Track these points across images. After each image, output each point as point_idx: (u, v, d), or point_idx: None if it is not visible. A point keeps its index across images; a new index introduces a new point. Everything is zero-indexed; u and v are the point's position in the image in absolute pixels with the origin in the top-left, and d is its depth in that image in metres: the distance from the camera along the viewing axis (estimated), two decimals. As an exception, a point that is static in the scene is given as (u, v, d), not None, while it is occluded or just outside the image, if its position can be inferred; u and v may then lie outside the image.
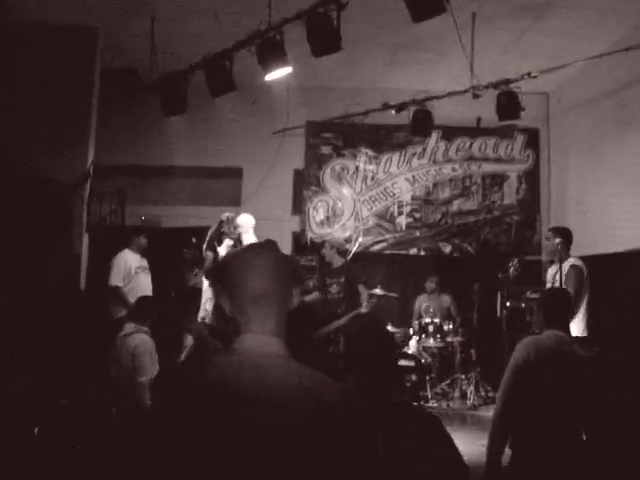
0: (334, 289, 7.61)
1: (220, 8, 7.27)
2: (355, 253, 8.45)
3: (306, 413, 1.47)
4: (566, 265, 6.38)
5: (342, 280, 7.62)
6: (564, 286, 6.17)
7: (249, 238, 6.99)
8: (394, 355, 2.77)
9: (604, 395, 3.64)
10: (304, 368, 1.60)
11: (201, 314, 7.21)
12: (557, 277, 6.35)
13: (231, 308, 1.72)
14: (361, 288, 7.64)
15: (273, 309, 1.69)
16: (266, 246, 1.81)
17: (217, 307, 7.21)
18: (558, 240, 6.45)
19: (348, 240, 10.05)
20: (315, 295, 7.69)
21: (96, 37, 7.96)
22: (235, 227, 7.09)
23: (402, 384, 7.18)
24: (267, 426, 1.45)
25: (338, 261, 7.80)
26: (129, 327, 5.54)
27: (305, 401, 1.49)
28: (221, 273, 1.83)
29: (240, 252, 1.80)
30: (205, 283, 7.40)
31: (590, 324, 6.20)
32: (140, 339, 5.38)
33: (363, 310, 7.50)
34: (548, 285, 6.67)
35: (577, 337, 6.28)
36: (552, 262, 6.72)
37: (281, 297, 1.72)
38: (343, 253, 8.06)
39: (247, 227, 7.12)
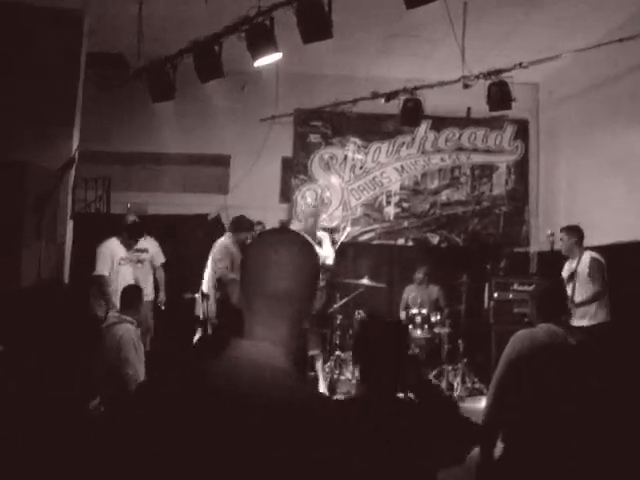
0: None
1: (209, -8, 7.17)
2: (343, 243, 8.38)
3: (284, 438, 1.29)
4: (586, 259, 6.74)
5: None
6: (589, 279, 6.76)
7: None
8: (406, 353, 2.74)
9: (596, 387, 3.61)
10: (300, 386, 1.42)
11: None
12: (578, 269, 6.90)
13: (241, 304, 1.50)
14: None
15: (288, 313, 1.47)
16: (288, 237, 1.57)
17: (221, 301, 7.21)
18: (574, 240, 7.04)
19: (336, 230, 9.99)
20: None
21: (82, 20, 7.82)
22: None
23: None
24: (235, 452, 1.29)
25: None
26: (112, 317, 5.46)
27: (287, 425, 1.31)
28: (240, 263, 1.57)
29: (258, 242, 1.59)
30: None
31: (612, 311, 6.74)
32: (125, 329, 5.30)
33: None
34: (571, 280, 6.97)
35: (574, 328, 6.44)
36: (567, 257, 7.19)
37: (301, 300, 1.49)
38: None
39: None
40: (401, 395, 2.38)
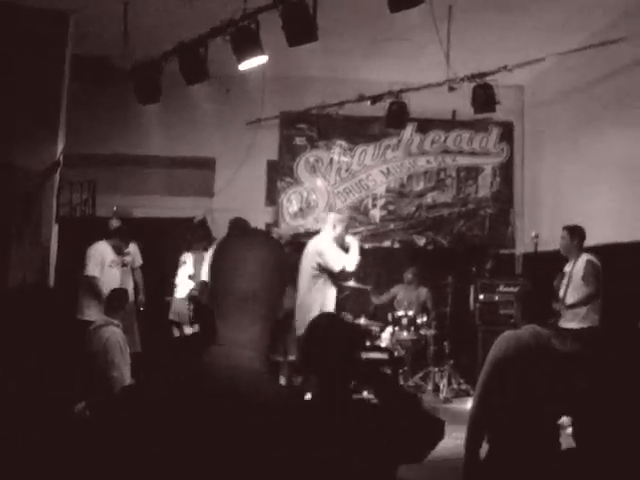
0: None
1: (195, -5, 7.17)
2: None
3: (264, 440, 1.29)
4: (582, 261, 6.73)
5: None
6: (583, 282, 6.76)
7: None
8: (357, 355, 2.70)
9: (581, 388, 3.64)
10: (274, 387, 1.43)
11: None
12: (572, 271, 6.92)
13: (213, 306, 1.49)
14: None
15: (257, 313, 1.46)
16: (255, 238, 1.56)
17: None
18: (574, 241, 7.03)
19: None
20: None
21: (67, 22, 7.78)
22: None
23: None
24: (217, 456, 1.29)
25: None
26: (99, 320, 5.45)
27: (265, 429, 1.30)
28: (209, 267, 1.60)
29: (225, 244, 1.55)
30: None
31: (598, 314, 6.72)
32: (111, 332, 5.29)
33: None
34: (564, 280, 6.97)
35: (563, 330, 6.49)
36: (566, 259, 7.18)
37: (269, 299, 1.48)
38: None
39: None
40: (360, 395, 2.37)
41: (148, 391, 1.43)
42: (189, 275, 7.84)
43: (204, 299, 7.16)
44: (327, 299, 6.80)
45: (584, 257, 6.89)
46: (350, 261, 6.81)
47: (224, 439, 1.29)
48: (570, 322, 6.73)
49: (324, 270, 6.75)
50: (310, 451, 1.31)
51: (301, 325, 6.38)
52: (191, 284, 7.84)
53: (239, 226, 7.37)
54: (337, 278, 6.92)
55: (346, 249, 6.96)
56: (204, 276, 7.58)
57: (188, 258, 8.02)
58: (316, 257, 6.78)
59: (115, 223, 7.95)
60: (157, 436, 1.32)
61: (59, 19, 7.72)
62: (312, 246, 6.96)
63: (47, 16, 7.58)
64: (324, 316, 3.11)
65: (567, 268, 7.06)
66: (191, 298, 7.48)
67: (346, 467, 1.36)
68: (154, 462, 1.31)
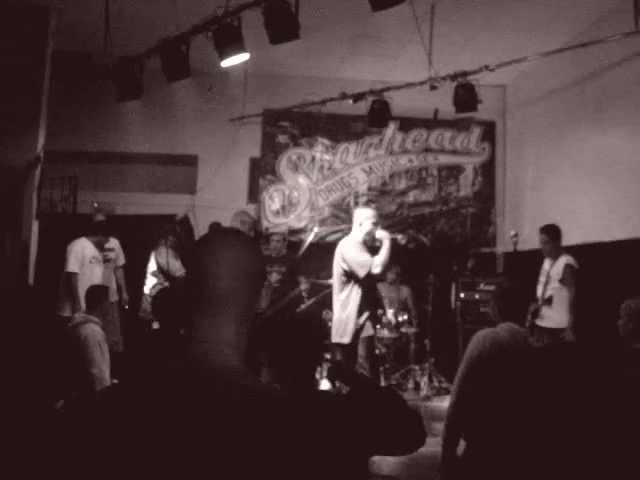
0: (273, 277, 7.61)
1: (177, -8, 7.16)
2: (311, 243, 8.40)
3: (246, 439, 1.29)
4: (561, 263, 6.77)
5: (283, 269, 7.68)
6: (561, 284, 6.80)
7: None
8: (316, 347, 2.72)
9: (555, 385, 3.67)
10: (255, 383, 1.41)
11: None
12: (551, 273, 6.93)
13: (190, 306, 1.49)
14: (301, 279, 7.71)
15: (234, 313, 1.46)
16: (233, 237, 1.56)
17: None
18: (557, 241, 7.00)
19: (304, 230, 10.02)
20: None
21: (48, 18, 7.73)
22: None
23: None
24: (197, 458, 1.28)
25: (282, 251, 7.90)
26: (79, 317, 5.43)
27: (249, 428, 1.31)
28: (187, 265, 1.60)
29: (202, 242, 1.56)
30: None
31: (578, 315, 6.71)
32: (90, 329, 5.27)
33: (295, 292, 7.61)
34: (542, 279, 7.02)
35: (541, 329, 6.54)
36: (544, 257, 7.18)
37: (245, 299, 1.49)
38: (286, 242, 8.20)
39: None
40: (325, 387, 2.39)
41: (131, 390, 1.42)
42: (152, 272, 7.79)
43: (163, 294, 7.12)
44: (361, 305, 6.04)
45: (564, 259, 6.90)
46: (377, 263, 6.00)
47: (208, 436, 1.30)
48: (546, 321, 6.80)
49: (352, 276, 6.03)
50: (294, 445, 1.32)
51: (337, 334, 6.05)
52: (154, 280, 7.79)
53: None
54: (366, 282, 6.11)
55: (376, 249, 6.18)
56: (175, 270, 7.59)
57: (152, 254, 7.97)
58: (341, 262, 6.11)
59: (99, 217, 7.93)
60: (142, 435, 1.32)
61: (40, 15, 7.66)
62: (338, 249, 6.24)
63: (28, 12, 7.52)
64: (283, 317, 3.15)
65: (546, 266, 7.10)
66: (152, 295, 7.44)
67: (326, 459, 1.38)
68: (138, 461, 1.30)
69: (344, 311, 6.04)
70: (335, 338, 6.09)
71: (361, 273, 5.98)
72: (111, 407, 1.39)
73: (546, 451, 3.47)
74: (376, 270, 6.01)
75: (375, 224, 6.24)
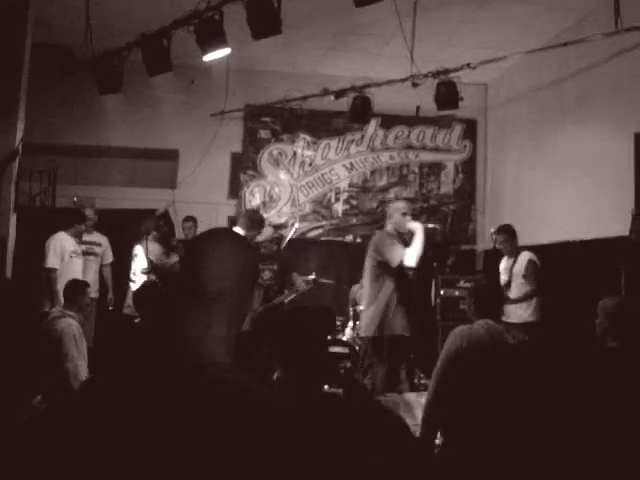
0: (266, 275, 7.55)
1: (158, -15, 7.12)
2: (291, 239, 8.38)
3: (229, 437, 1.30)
4: (523, 259, 6.93)
5: (275, 267, 7.60)
6: (523, 280, 7.00)
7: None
8: (325, 348, 2.69)
9: (533, 384, 3.69)
10: (242, 378, 1.41)
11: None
12: (513, 270, 7.11)
13: (178, 302, 1.51)
14: (295, 276, 7.66)
15: (224, 312, 1.48)
16: (223, 240, 1.58)
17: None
18: (507, 239, 7.24)
19: (284, 226, 10.00)
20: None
21: (26, 9, 7.64)
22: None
23: (336, 372, 7.17)
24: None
25: (272, 248, 7.79)
26: (56, 311, 5.39)
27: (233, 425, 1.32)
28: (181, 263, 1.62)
29: (195, 241, 1.59)
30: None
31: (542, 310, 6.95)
32: (66, 323, 5.23)
33: (298, 288, 7.53)
34: (503, 277, 7.13)
35: (513, 327, 6.59)
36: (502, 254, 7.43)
37: (236, 298, 1.51)
38: (277, 240, 8.01)
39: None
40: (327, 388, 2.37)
41: (115, 385, 1.42)
42: (142, 269, 7.73)
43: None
44: (390, 300, 5.97)
45: (525, 256, 7.13)
46: (409, 255, 5.88)
47: (192, 431, 1.30)
48: (513, 318, 6.88)
49: (385, 267, 5.93)
50: (274, 442, 1.32)
51: (365, 328, 6.07)
52: (144, 277, 7.74)
53: (256, 222, 6.89)
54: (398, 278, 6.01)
55: (405, 242, 6.08)
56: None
57: (139, 251, 7.89)
58: (373, 253, 6.02)
59: (89, 212, 7.93)
60: (127, 430, 1.32)
61: (19, 6, 7.57)
62: (371, 242, 6.20)
63: (7, 3, 7.44)
64: (292, 307, 3.13)
65: (505, 264, 7.26)
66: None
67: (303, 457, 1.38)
68: (122, 457, 1.30)
69: (373, 305, 5.98)
70: (362, 332, 6.13)
71: (393, 262, 5.87)
72: (97, 402, 1.39)
73: (522, 448, 3.49)
74: (410, 262, 5.89)
75: (404, 214, 6.16)
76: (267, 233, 7.71)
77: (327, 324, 2.70)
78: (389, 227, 6.22)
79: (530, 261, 7.05)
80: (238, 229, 6.70)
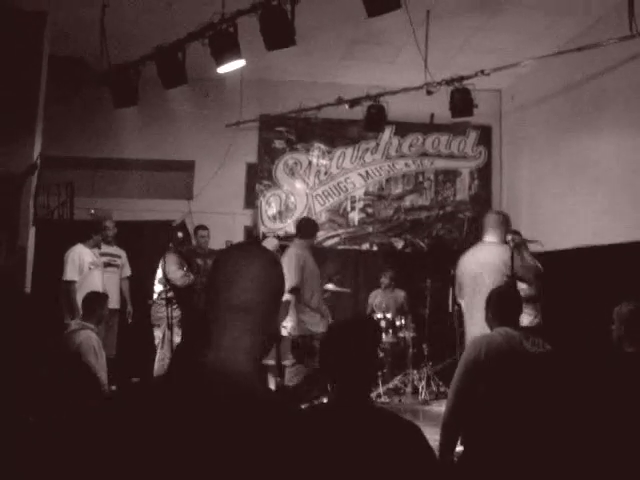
0: None
1: (173, -2, 7.18)
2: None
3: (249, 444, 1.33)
4: None
5: None
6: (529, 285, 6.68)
7: None
8: (376, 359, 2.66)
9: (553, 391, 3.67)
10: (266, 392, 1.46)
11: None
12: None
13: (208, 313, 1.55)
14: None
15: (252, 325, 1.51)
16: (253, 253, 1.61)
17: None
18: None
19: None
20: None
21: (44, 23, 7.72)
22: None
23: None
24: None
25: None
26: (75, 324, 5.42)
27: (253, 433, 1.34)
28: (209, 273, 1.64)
29: (226, 252, 1.62)
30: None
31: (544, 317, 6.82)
32: (85, 336, 5.26)
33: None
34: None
35: (528, 333, 6.53)
36: None
37: (264, 312, 1.54)
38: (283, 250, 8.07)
39: None
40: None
41: (147, 395, 1.45)
42: (158, 279, 7.77)
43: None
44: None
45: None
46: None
47: (215, 440, 1.32)
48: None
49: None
50: (291, 452, 1.34)
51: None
52: (160, 287, 7.77)
53: (310, 228, 7.23)
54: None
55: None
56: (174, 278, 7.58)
57: (161, 261, 7.92)
58: (502, 268, 5.45)
59: (109, 224, 7.98)
60: (156, 439, 1.34)
61: (36, 19, 7.66)
62: (490, 256, 5.63)
63: (24, 17, 7.52)
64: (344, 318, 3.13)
65: None
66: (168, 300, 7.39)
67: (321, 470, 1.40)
68: (151, 466, 1.32)
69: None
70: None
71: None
72: (126, 413, 1.40)
73: (543, 455, 3.47)
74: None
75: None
76: (272, 244, 7.76)
77: (377, 335, 2.69)
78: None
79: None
80: (296, 241, 7.05)
